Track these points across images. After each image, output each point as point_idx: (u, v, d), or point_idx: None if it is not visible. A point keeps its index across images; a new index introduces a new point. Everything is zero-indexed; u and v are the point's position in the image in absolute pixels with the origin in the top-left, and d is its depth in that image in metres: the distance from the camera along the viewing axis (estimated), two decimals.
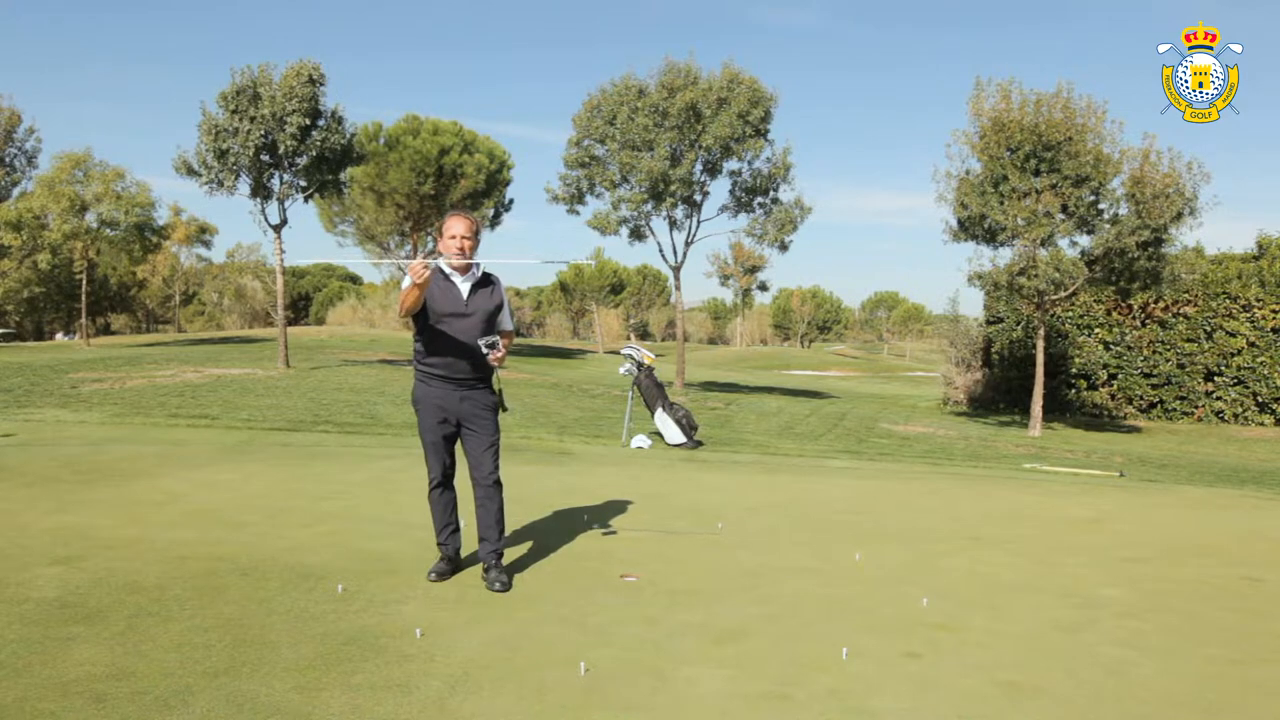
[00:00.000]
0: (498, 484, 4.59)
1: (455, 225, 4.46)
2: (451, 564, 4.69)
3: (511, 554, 5.07)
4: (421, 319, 4.50)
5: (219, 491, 6.60)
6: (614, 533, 5.81)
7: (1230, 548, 6.41)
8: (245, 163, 19.35)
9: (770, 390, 27.57)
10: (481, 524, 4.59)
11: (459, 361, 4.48)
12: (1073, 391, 23.42)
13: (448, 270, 4.50)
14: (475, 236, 4.51)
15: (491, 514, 4.57)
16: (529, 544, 5.41)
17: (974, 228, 18.28)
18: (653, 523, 6.17)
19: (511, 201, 40.14)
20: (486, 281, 4.59)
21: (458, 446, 4.73)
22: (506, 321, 4.67)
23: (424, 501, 5.01)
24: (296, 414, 12.66)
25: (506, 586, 4.46)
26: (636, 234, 22.76)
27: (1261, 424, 21.63)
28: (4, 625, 3.61)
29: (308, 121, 19.33)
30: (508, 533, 5.25)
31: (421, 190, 35.79)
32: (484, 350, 4.43)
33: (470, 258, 4.48)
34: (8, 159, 34.98)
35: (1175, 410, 22.52)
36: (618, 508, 6.63)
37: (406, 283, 4.35)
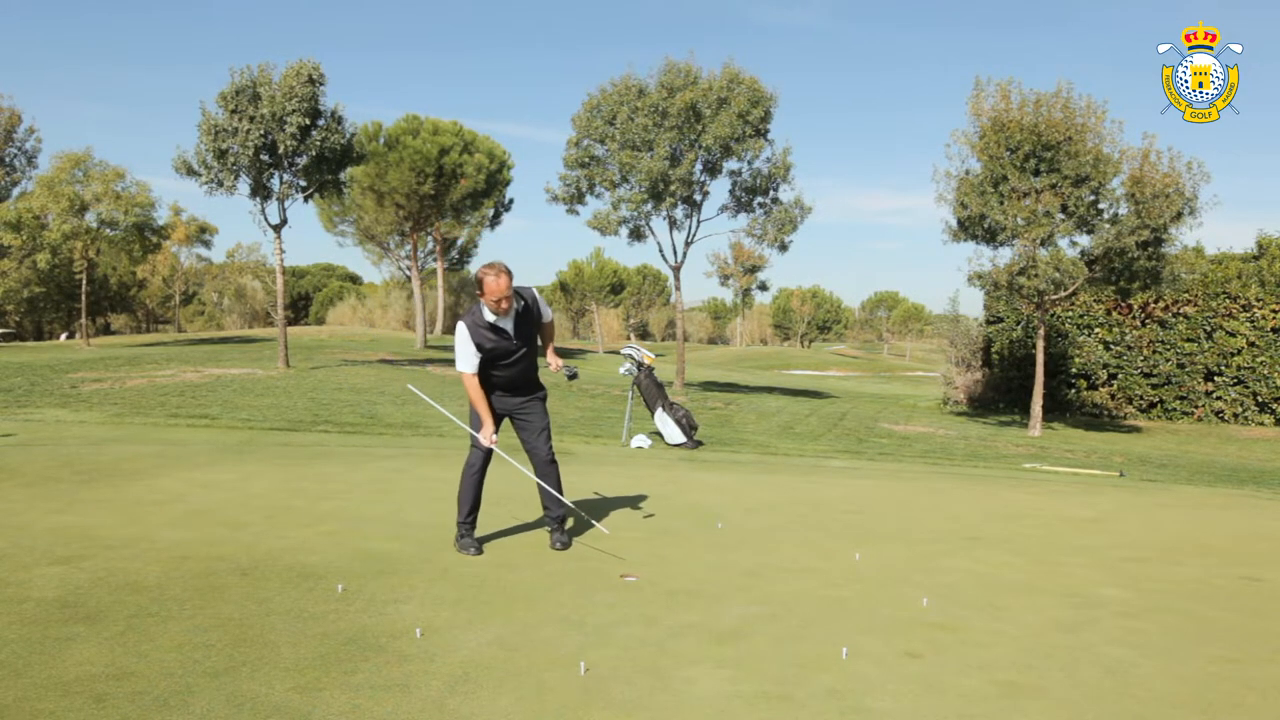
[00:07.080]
0: (553, 461, 5.30)
1: (503, 285, 4.77)
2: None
3: (511, 553, 5.08)
4: (480, 358, 5.01)
5: (219, 491, 6.60)
6: (615, 529, 5.80)
7: (1230, 548, 6.41)
8: (245, 163, 19.35)
9: (770, 390, 27.56)
10: (545, 496, 5.31)
11: (514, 382, 5.17)
12: (1073, 391, 23.41)
13: (492, 318, 4.89)
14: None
15: (552, 486, 5.24)
16: (529, 544, 5.40)
17: (974, 228, 18.27)
18: (653, 523, 6.17)
19: (511, 201, 40.22)
20: (523, 305, 5.03)
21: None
22: (546, 315, 5.26)
23: (424, 501, 5.02)
24: (296, 414, 12.65)
25: (566, 546, 5.25)
26: (636, 234, 22.75)
27: (1261, 424, 21.63)
28: (4, 625, 3.61)
29: (307, 121, 19.33)
30: (505, 532, 5.45)
31: (421, 190, 35.77)
32: (566, 377, 5.21)
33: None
34: (8, 159, 35.02)
35: (1175, 410, 22.51)
36: (618, 508, 6.63)
37: (481, 435, 5.04)
